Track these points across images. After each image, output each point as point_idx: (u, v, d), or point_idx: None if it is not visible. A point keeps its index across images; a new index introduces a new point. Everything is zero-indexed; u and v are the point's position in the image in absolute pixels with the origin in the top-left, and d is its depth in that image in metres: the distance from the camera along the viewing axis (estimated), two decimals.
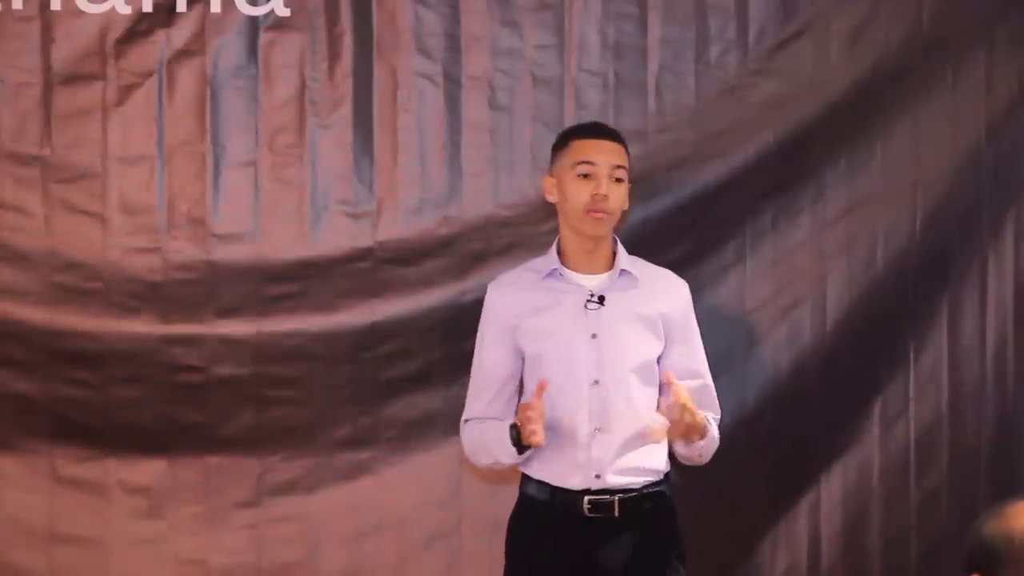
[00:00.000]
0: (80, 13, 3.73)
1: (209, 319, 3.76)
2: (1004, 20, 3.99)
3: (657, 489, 3.30)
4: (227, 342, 3.76)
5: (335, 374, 3.79)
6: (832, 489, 3.94)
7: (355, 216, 3.81)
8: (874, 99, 3.93)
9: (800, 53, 3.92)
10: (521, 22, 3.85)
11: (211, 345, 3.75)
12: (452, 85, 3.83)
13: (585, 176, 3.29)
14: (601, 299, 3.28)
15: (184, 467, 3.76)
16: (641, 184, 3.86)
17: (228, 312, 3.76)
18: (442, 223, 3.82)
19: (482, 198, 3.84)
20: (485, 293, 3.77)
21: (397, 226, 3.81)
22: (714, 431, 3.32)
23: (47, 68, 3.72)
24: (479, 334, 3.38)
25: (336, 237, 3.80)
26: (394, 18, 3.81)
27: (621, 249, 3.37)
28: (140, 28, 3.75)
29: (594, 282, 3.31)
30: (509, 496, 3.80)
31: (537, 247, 3.82)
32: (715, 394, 3.41)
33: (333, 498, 3.80)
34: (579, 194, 3.28)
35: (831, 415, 3.94)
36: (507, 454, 3.25)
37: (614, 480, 3.25)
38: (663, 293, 3.38)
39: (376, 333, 3.80)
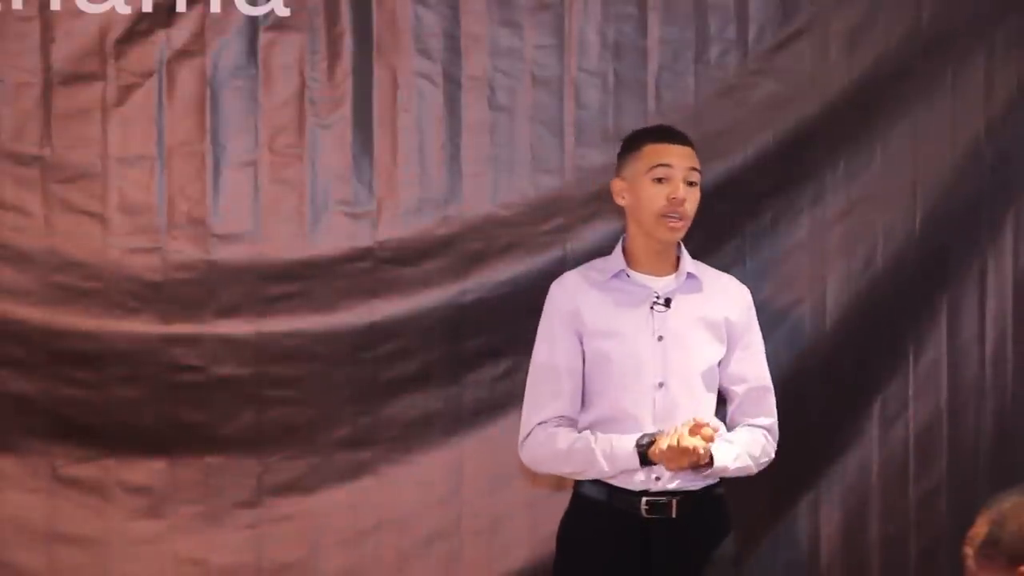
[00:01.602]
0: (80, 13, 3.72)
1: (209, 319, 3.75)
2: (1003, 21, 3.99)
3: (714, 491, 3.32)
4: (227, 342, 3.75)
5: (335, 374, 3.79)
6: (832, 488, 3.95)
7: (355, 216, 3.81)
8: (874, 99, 3.94)
9: (800, 53, 3.92)
10: (521, 22, 3.85)
11: (211, 345, 3.75)
12: (452, 85, 3.83)
13: (660, 180, 3.28)
14: (667, 301, 3.29)
15: (184, 467, 3.76)
16: None
17: (228, 312, 3.76)
18: (442, 223, 3.82)
19: (482, 198, 3.83)
20: (485, 293, 3.80)
21: (397, 226, 3.81)
22: (749, 447, 3.31)
23: (47, 68, 3.72)
24: (545, 332, 3.32)
25: (336, 237, 3.79)
26: (394, 18, 3.81)
27: (685, 252, 3.38)
28: (140, 28, 3.74)
29: (659, 284, 3.32)
30: (509, 496, 3.83)
31: (537, 247, 3.84)
32: (773, 399, 3.41)
33: (333, 498, 3.80)
34: (655, 198, 3.27)
35: (831, 414, 3.94)
36: (623, 460, 3.19)
37: (678, 481, 3.26)
38: (727, 298, 3.40)
39: (376, 333, 3.80)
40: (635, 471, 3.22)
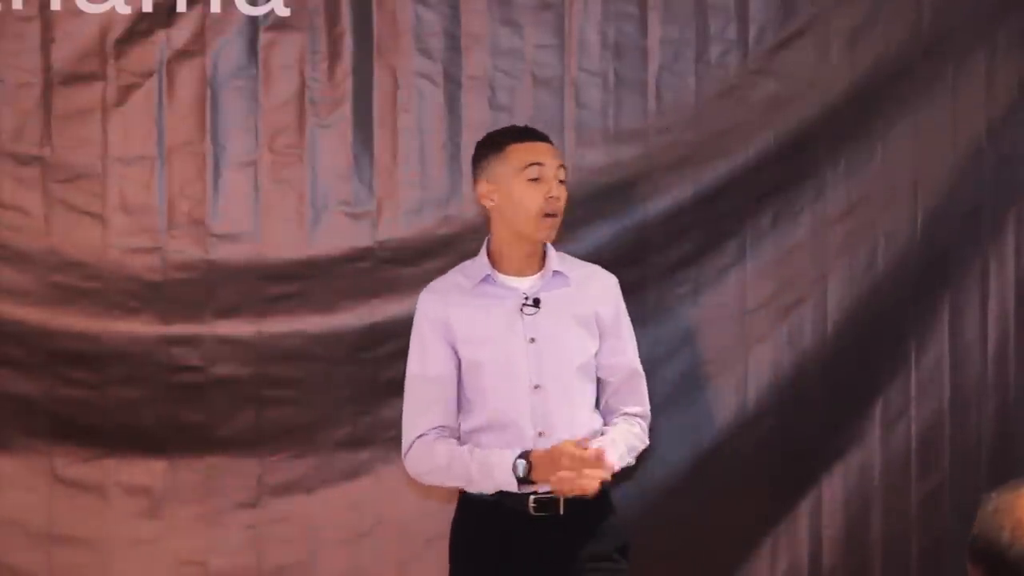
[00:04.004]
0: (80, 13, 3.72)
1: (209, 319, 3.75)
2: (1004, 21, 3.99)
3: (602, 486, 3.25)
4: (227, 342, 3.75)
5: (335, 374, 3.79)
6: (833, 489, 3.93)
7: (355, 216, 3.80)
8: (874, 99, 3.93)
9: (800, 53, 3.92)
10: (521, 22, 3.85)
11: (211, 345, 3.75)
12: (452, 85, 3.83)
13: (534, 179, 3.24)
14: (536, 302, 3.25)
15: (184, 467, 3.75)
16: (641, 184, 3.87)
17: (228, 312, 3.76)
18: (442, 223, 3.82)
19: None
20: None
21: (397, 226, 3.81)
22: (630, 440, 3.28)
23: (47, 68, 3.72)
24: (416, 344, 3.28)
25: (336, 237, 3.79)
26: (394, 18, 3.81)
27: (551, 249, 3.32)
28: (140, 28, 3.75)
29: (526, 285, 3.27)
30: None
31: None
32: (644, 387, 3.38)
33: (333, 498, 3.79)
34: (532, 197, 3.22)
35: (832, 415, 3.93)
36: (502, 482, 3.17)
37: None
38: (595, 290, 3.34)
39: (376, 333, 3.79)
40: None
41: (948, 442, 3.97)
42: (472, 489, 3.23)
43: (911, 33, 3.94)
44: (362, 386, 3.79)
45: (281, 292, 3.78)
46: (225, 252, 3.76)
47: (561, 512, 3.19)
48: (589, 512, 3.22)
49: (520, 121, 3.81)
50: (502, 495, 3.19)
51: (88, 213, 3.73)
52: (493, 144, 3.30)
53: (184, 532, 3.76)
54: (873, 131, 3.94)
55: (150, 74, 3.75)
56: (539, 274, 3.29)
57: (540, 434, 3.21)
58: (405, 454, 3.28)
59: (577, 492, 3.11)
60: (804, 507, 3.94)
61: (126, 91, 3.75)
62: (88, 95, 3.73)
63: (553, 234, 3.27)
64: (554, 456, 3.11)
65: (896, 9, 3.93)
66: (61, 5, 3.72)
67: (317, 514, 3.79)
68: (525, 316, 3.24)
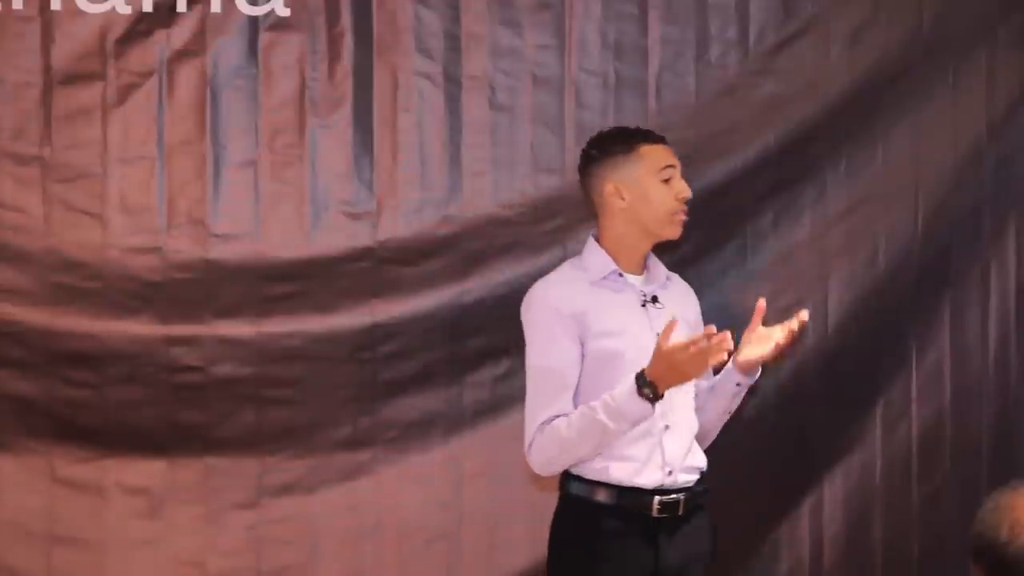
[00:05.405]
0: (80, 13, 3.72)
1: (209, 319, 3.74)
2: (1005, 21, 4.00)
3: (704, 486, 3.33)
4: (227, 342, 3.74)
5: (335, 374, 3.78)
6: (834, 489, 3.93)
7: (355, 216, 3.80)
8: (875, 99, 3.94)
9: (800, 53, 3.92)
10: (521, 22, 3.85)
11: (211, 345, 3.74)
12: (452, 85, 3.83)
13: (667, 180, 3.32)
14: (655, 299, 3.32)
15: (183, 468, 3.74)
16: None
17: (228, 312, 3.75)
18: (442, 223, 3.82)
19: (482, 198, 3.83)
20: (485, 293, 3.78)
21: (397, 226, 3.80)
22: None
23: (47, 68, 3.72)
24: (540, 335, 3.27)
25: (336, 237, 3.79)
26: (394, 18, 3.81)
27: (651, 252, 3.40)
28: (140, 28, 3.74)
29: (639, 282, 3.35)
30: (509, 496, 3.80)
31: (537, 247, 3.83)
32: None
33: (333, 499, 3.78)
34: (665, 198, 3.31)
35: (833, 415, 3.93)
36: (636, 412, 3.13)
37: (683, 478, 3.28)
38: (686, 294, 3.48)
39: (376, 333, 3.79)
40: (649, 468, 3.22)
41: (949, 442, 3.97)
42: (605, 443, 3.18)
43: (911, 33, 3.94)
44: (362, 386, 3.78)
45: (281, 292, 3.77)
46: (225, 252, 3.75)
47: (680, 512, 3.24)
48: (698, 513, 3.28)
49: (520, 121, 3.84)
50: (622, 495, 3.21)
51: (88, 213, 3.73)
52: (620, 145, 3.35)
53: (184, 532, 3.75)
54: (873, 131, 3.94)
55: (150, 74, 3.75)
56: (645, 273, 3.36)
57: (667, 427, 3.25)
58: (529, 447, 3.26)
59: (713, 363, 3.11)
60: (805, 507, 3.94)
61: (126, 91, 3.74)
62: (88, 95, 3.73)
63: (681, 231, 3.36)
64: (665, 355, 3.08)
65: (896, 9, 3.94)
66: (61, 5, 3.72)
67: (317, 514, 3.78)
68: (649, 312, 3.30)
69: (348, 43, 3.80)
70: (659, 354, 3.10)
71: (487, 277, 3.81)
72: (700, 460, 3.35)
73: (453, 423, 3.81)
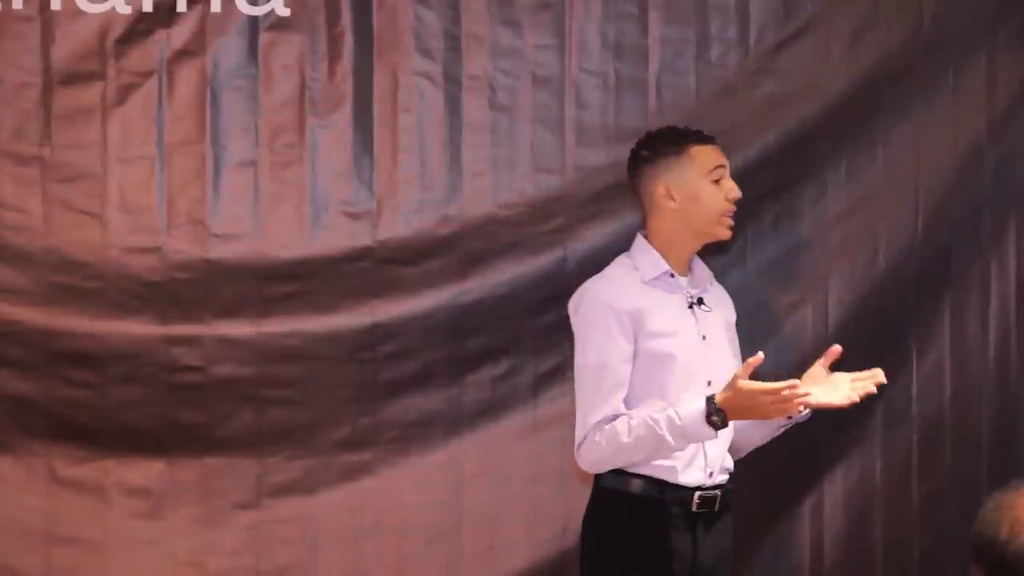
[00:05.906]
0: (80, 13, 3.72)
1: (209, 319, 3.74)
2: (1005, 21, 3.98)
3: (732, 485, 3.41)
4: (227, 342, 3.74)
5: (335, 374, 3.78)
6: (835, 489, 3.93)
7: (355, 216, 3.80)
8: (875, 99, 3.93)
9: (800, 53, 3.91)
10: (521, 22, 3.85)
11: (211, 345, 3.74)
12: (452, 85, 3.83)
13: (717, 181, 3.35)
14: (700, 301, 3.36)
15: (183, 468, 3.74)
16: None
17: (228, 312, 3.75)
18: (442, 223, 3.81)
19: (482, 198, 3.82)
20: (485, 293, 3.78)
21: (397, 226, 3.80)
22: None
23: (47, 68, 3.72)
24: (593, 333, 3.29)
25: (336, 237, 3.78)
26: (394, 18, 3.80)
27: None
28: (140, 28, 3.74)
29: (684, 283, 3.38)
30: (509, 496, 3.80)
31: (537, 247, 3.82)
32: None
33: (333, 499, 3.78)
34: (717, 199, 3.35)
35: (833, 415, 3.90)
36: (695, 435, 3.19)
37: (720, 477, 3.35)
38: (725, 298, 3.52)
39: (376, 333, 3.78)
40: (693, 468, 3.28)
41: (949, 442, 3.96)
42: (659, 457, 3.23)
43: (911, 33, 3.94)
44: (362, 386, 3.78)
45: (281, 292, 3.77)
46: (225, 252, 3.75)
47: (716, 508, 3.30)
48: (727, 510, 3.35)
49: (520, 121, 3.83)
50: (666, 490, 3.25)
51: (88, 213, 3.73)
52: (672, 145, 3.38)
53: (183, 533, 3.74)
54: (873, 131, 3.93)
55: (150, 74, 3.75)
56: (690, 275, 3.38)
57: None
58: (580, 445, 3.27)
59: (793, 411, 3.19)
60: (805, 508, 3.93)
61: (126, 91, 3.74)
62: (88, 95, 3.73)
63: (730, 232, 3.40)
64: (748, 395, 3.13)
65: (896, 9, 3.93)
66: (61, 5, 3.72)
67: (317, 514, 3.78)
68: (696, 314, 3.33)
69: (348, 43, 3.79)
70: (740, 392, 3.13)
71: (487, 277, 3.81)
72: (730, 461, 3.43)
73: (453, 423, 3.81)
